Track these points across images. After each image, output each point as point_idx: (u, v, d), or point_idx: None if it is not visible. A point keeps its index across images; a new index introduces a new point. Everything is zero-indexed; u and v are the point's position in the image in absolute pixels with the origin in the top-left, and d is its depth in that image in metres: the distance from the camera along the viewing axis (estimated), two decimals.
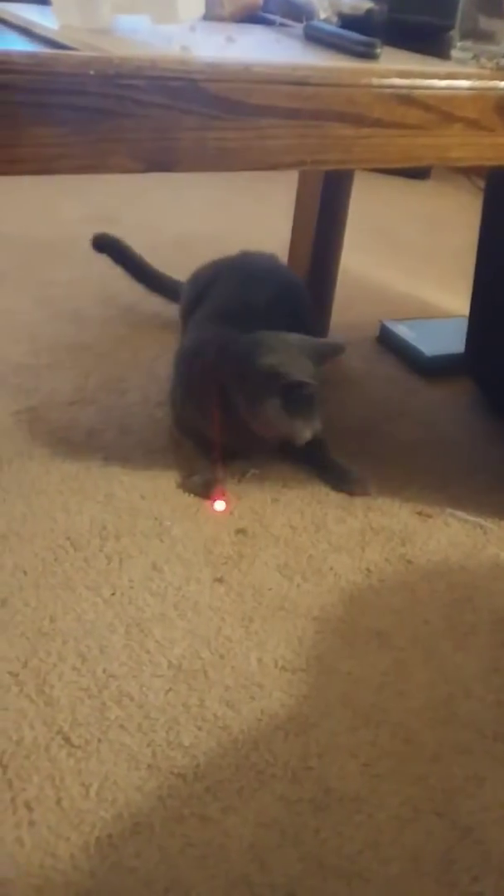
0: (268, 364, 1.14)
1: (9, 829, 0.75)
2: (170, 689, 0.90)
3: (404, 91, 0.78)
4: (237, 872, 0.74)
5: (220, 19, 1.00)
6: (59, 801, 0.77)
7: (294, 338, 1.20)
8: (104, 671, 0.91)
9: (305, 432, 1.17)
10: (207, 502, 1.18)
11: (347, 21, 0.99)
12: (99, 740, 0.83)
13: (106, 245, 1.68)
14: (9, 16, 0.86)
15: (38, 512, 1.13)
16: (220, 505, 1.17)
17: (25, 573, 1.02)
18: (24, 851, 0.73)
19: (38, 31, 0.80)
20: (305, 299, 1.44)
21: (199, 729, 0.86)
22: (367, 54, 0.85)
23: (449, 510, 1.24)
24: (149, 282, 1.71)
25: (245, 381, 1.17)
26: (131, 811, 0.77)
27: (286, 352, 1.17)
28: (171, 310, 1.57)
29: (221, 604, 1.02)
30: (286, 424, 1.16)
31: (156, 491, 1.20)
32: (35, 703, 0.86)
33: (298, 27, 0.98)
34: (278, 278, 1.43)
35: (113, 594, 1.01)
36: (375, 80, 0.77)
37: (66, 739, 0.83)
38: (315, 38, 0.94)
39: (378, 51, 0.85)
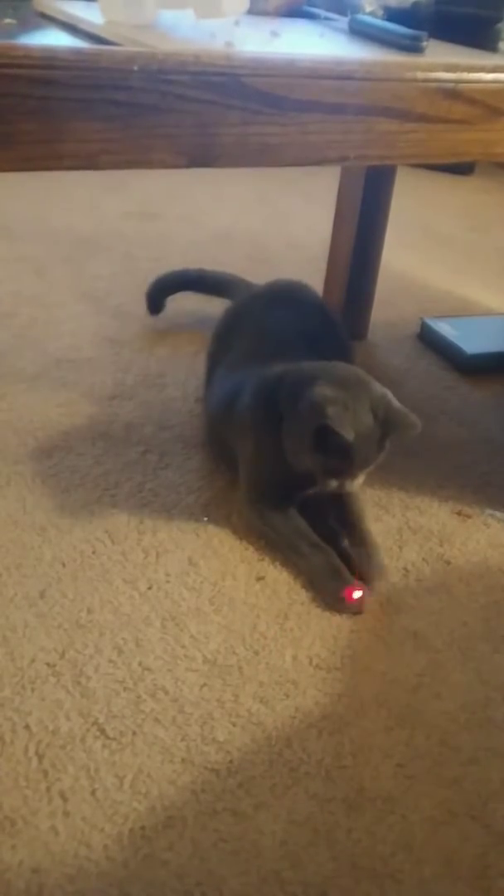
0: (321, 395, 1.01)
1: (43, 818, 0.75)
2: (204, 684, 0.90)
3: (450, 85, 0.77)
4: (269, 869, 0.73)
5: (265, 13, 0.99)
6: (93, 792, 0.78)
7: (377, 392, 1.05)
8: (140, 664, 0.91)
9: (332, 481, 1.04)
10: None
11: (393, 14, 0.98)
12: (134, 733, 0.84)
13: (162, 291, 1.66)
14: (54, 12, 0.86)
15: (76, 505, 1.14)
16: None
17: (64, 565, 1.03)
18: (59, 841, 0.74)
19: (82, 26, 0.80)
20: (342, 334, 1.36)
21: (233, 725, 0.86)
22: (413, 48, 0.84)
23: (488, 511, 1.22)
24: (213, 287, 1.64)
25: (298, 401, 1.04)
26: (165, 804, 0.78)
27: (354, 397, 1.02)
28: (211, 306, 1.57)
29: (257, 600, 1.02)
30: (312, 462, 1.04)
31: (193, 485, 1.20)
32: (71, 695, 0.87)
33: (343, 21, 0.98)
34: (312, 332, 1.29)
35: (149, 588, 1.01)
36: (421, 74, 0.76)
37: (102, 731, 0.83)
38: (360, 31, 0.93)
39: (424, 44, 0.84)
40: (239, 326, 1.33)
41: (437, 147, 0.80)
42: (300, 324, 1.29)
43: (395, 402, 1.05)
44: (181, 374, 1.50)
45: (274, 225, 2.34)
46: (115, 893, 0.70)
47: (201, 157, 0.70)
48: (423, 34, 0.84)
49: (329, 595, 1.01)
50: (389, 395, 1.05)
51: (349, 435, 0.98)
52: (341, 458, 1.02)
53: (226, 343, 1.33)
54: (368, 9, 0.98)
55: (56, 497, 1.15)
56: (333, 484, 1.05)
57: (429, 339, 1.73)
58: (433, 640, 0.99)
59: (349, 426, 0.99)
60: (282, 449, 1.07)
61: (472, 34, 0.95)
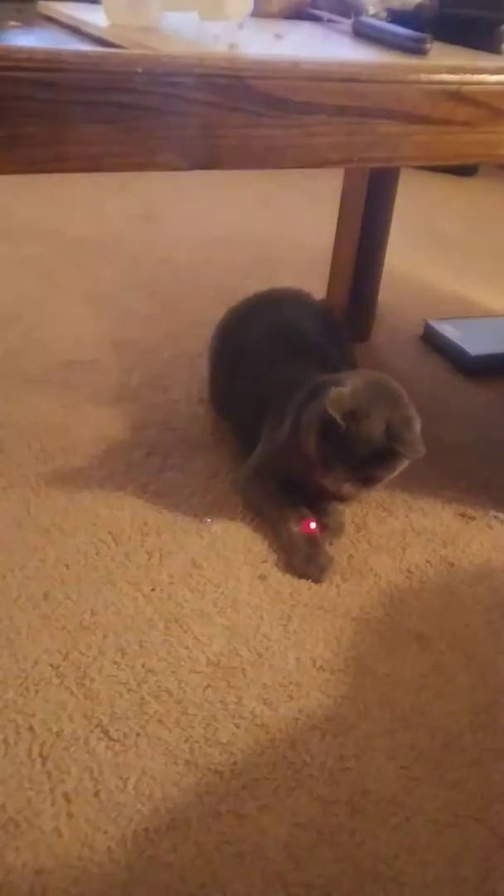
0: (345, 385, 1.03)
1: (47, 819, 0.75)
2: (208, 686, 0.90)
3: (454, 87, 0.77)
4: (272, 871, 0.73)
5: (269, 16, 0.99)
6: (97, 794, 0.78)
7: (403, 412, 1.05)
8: (143, 666, 0.91)
9: (327, 476, 1.05)
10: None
11: (397, 16, 0.98)
12: (137, 734, 0.84)
13: None
14: (59, 15, 0.86)
15: (80, 506, 1.14)
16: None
17: (67, 567, 1.03)
18: (62, 842, 0.74)
19: (87, 29, 0.80)
20: (345, 337, 1.38)
21: (237, 726, 0.86)
22: (417, 50, 0.84)
23: (492, 513, 1.22)
24: None
25: (314, 398, 1.07)
26: (168, 806, 0.78)
27: (376, 403, 1.03)
28: (216, 308, 1.57)
29: (260, 602, 1.02)
30: (313, 446, 1.05)
31: (196, 487, 1.20)
32: (75, 696, 0.87)
33: (347, 23, 0.98)
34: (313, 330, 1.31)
35: (153, 589, 1.01)
36: (424, 77, 0.76)
37: (105, 732, 0.84)
38: (364, 34, 0.93)
39: (428, 46, 0.84)
40: (248, 327, 1.34)
41: (441, 149, 0.80)
42: (308, 326, 1.30)
43: (414, 427, 1.05)
44: (185, 375, 1.50)
45: (277, 227, 2.34)
46: (118, 895, 0.71)
47: (205, 159, 0.71)
48: (427, 36, 0.84)
49: (300, 563, 1.07)
50: (416, 421, 1.05)
51: (336, 415, 0.99)
52: (335, 446, 1.02)
53: (235, 343, 1.34)
54: (372, 11, 0.98)
55: (60, 499, 1.15)
56: (329, 480, 1.05)
57: (432, 341, 1.73)
58: (437, 642, 0.99)
59: (342, 411, 1.00)
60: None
61: (476, 36, 0.95)
